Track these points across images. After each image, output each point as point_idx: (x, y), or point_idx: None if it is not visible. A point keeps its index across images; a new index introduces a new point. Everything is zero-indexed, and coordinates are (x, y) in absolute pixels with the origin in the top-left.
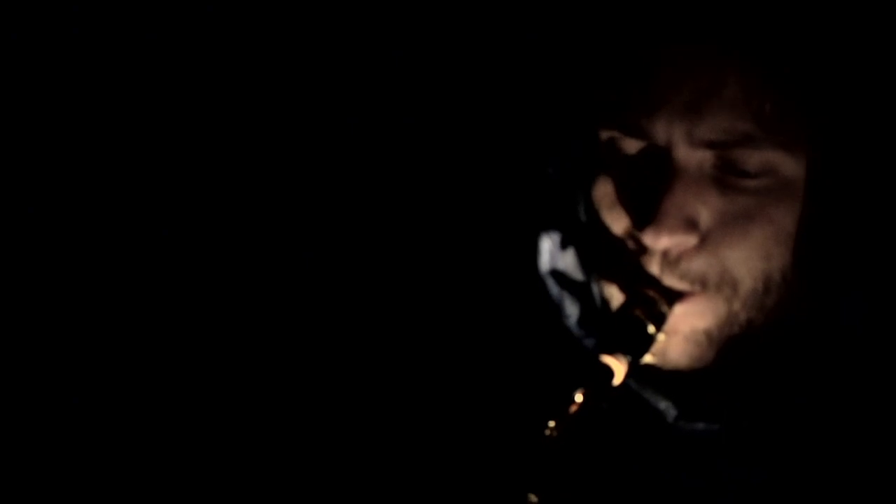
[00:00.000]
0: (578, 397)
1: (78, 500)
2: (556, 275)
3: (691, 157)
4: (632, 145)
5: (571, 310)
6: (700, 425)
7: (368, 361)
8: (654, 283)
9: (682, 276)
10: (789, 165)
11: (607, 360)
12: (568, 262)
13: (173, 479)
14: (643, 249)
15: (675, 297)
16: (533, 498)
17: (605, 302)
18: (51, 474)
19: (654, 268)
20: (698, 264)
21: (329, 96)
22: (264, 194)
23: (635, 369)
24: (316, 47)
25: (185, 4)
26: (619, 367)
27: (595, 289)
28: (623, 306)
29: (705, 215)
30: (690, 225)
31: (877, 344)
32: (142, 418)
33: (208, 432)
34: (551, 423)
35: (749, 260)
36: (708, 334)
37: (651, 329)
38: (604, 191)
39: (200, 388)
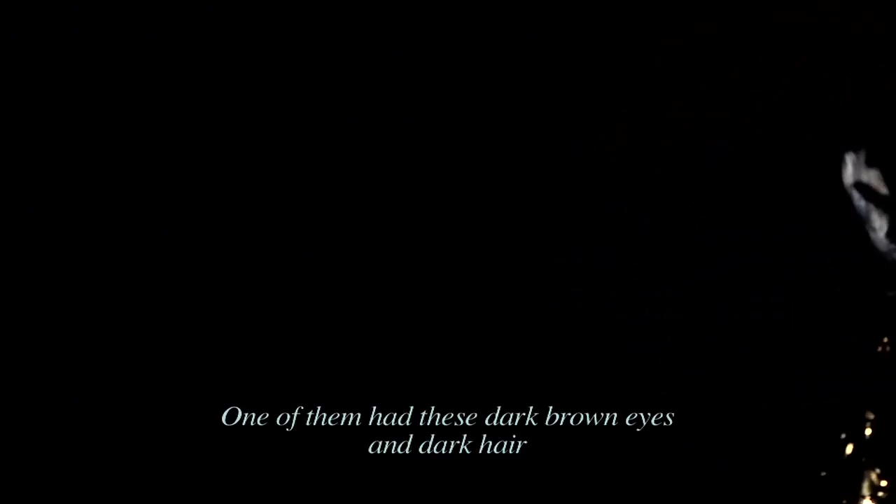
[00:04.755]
0: None
1: (78, 500)
2: (862, 188)
3: None
4: None
5: (879, 223)
6: None
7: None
8: None
9: None
10: None
11: None
12: (873, 175)
13: (173, 479)
14: None
15: None
16: (870, 415)
17: None
18: (51, 474)
19: None
20: None
21: (329, 96)
22: (264, 194)
23: None
24: (316, 47)
25: (185, 4)
26: None
27: None
28: None
29: None
30: None
31: None
32: (141, 417)
33: (208, 431)
34: (885, 339)
35: None
36: None
37: None
38: None
39: (200, 388)
